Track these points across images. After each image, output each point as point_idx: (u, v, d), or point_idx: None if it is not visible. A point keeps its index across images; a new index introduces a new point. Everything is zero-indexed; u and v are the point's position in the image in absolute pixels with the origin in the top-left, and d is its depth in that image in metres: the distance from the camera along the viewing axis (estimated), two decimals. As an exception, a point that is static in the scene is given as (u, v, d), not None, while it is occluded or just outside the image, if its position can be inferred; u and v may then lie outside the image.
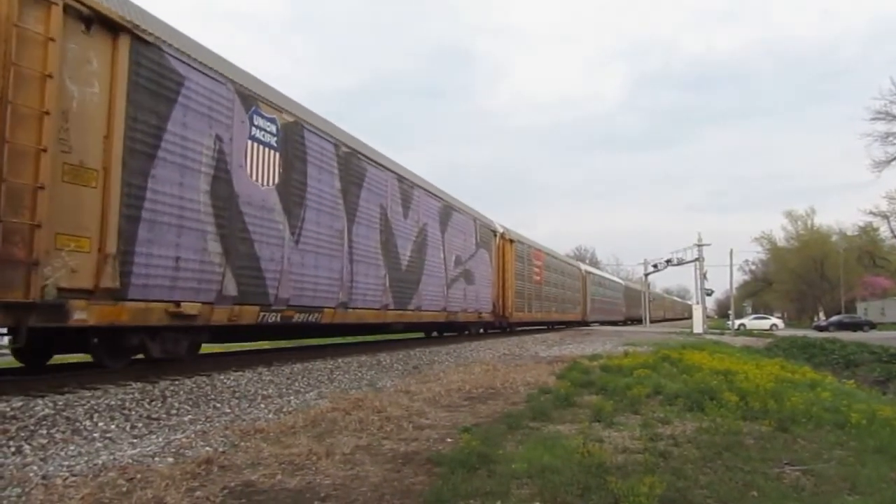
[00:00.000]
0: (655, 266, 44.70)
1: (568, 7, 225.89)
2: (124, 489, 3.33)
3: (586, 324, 37.33)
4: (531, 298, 25.00)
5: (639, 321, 53.44)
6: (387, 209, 12.38)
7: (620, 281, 56.25)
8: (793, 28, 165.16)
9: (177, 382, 6.85)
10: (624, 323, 49.74)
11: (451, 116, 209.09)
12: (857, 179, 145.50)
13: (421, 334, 18.95)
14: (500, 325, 22.38)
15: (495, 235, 21.15)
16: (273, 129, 8.68)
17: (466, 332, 19.92)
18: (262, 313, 8.40)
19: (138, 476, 3.54)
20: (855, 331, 41.95)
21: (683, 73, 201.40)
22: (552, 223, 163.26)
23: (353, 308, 10.89)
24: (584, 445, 4.20)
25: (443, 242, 15.77)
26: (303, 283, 9.31)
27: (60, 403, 5.26)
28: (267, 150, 8.56)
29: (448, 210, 16.38)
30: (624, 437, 4.92)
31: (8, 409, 4.91)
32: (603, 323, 42.21)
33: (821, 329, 44.46)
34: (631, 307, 54.12)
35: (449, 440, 4.79)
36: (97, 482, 3.43)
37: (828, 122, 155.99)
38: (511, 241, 22.44)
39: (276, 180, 8.74)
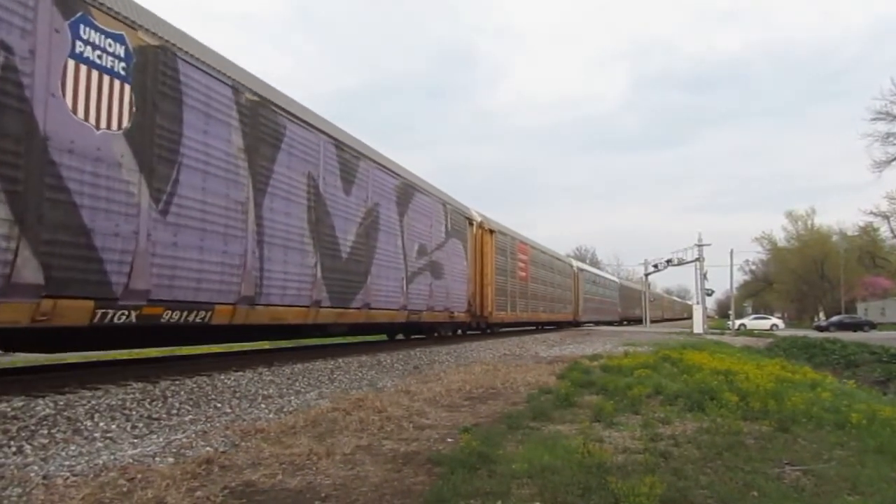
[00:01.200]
0: (656, 266, 44.70)
1: (568, 8, 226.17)
2: (125, 489, 3.33)
3: (578, 324, 35.78)
4: (515, 297, 22.67)
5: (636, 321, 53.19)
6: (318, 181, 9.92)
7: (615, 279, 54.33)
8: (793, 29, 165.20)
9: (177, 382, 6.86)
10: (620, 323, 48.35)
11: (451, 117, 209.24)
12: (857, 180, 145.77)
13: (384, 336, 17.29)
14: (478, 327, 19.81)
15: (471, 224, 18.59)
16: (119, 51, 6.27)
17: (436, 335, 17.32)
18: (100, 310, 6.02)
19: (139, 476, 3.55)
20: (855, 331, 42.00)
21: (684, 73, 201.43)
22: (553, 223, 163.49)
23: (266, 305, 8.48)
24: (584, 445, 4.20)
25: (401, 228, 13.29)
26: (176, 269, 6.89)
27: (61, 403, 5.27)
28: (107, 78, 6.14)
29: (408, 189, 13.86)
30: (624, 437, 4.93)
31: (9, 409, 4.92)
32: (597, 323, 40.71)
33: (821, 329, 44.50)
34: (627, 307, 52.50)
35: (449, 440, 4.79)
36: (98, 482, 3.43)
37: (828, 122, 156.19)
38: (491, 231, 20.06)
39: (126, 123, 6.28)
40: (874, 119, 39.87)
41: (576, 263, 37.13)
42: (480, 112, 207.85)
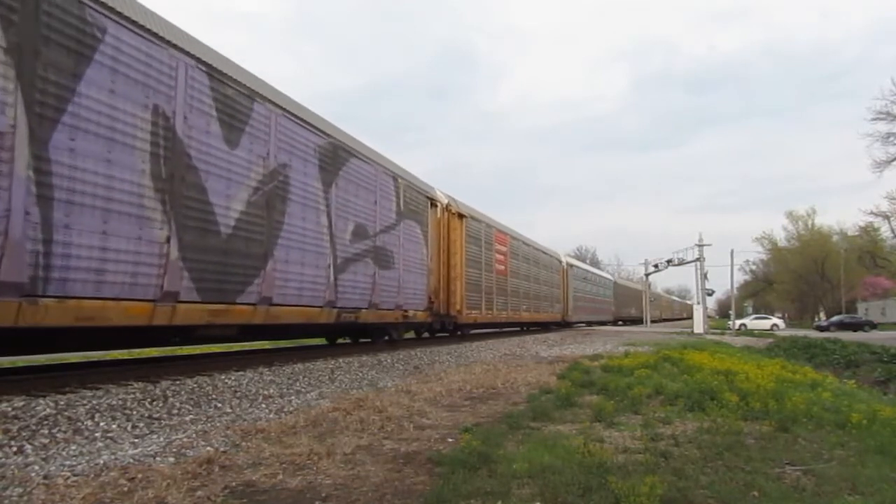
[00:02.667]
0: (656, 266, 44.69)
1: (569, 9, 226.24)
2: (125, 489, 3.34)
3: (568, 324, 33.10)
4: (492, 293, 19.76)
5: (632, 322, 52.09)
6: (174, 120, 7.02)
7: (609, 276, 51.37)
8: (793, 29, 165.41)
9: (178, 382, 6.86)
10: (614, 323, 46.12)
11: (452, 118, 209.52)
12: (858, 180, 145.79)
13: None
14: (442, 328, 16.54)
15: (434, 205, 15.44)
16: None
17: (386, 339, 14.18)
18: None
19: (139, 476, 3.55)
20: (856, 331, 41.96)
21: (685, 74, 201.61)
22: (553, 223, 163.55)
23: (62, 297, 5.65)
24: (584, 445, 4.20)
25: (327, 200, 10.21)
26: None
27: (62, 403, 5.28)
28: None
29: (339, 153, 10.68)
30: (625, 437, 4.93)
31: (10, 409, 4.93)
32: (590, 324, 38.66)
33: (822, 329, 44.46)
34: (621, 306, 50.18)
35: (450, 440, 4.79)
36: (98, 482, 3.44)
37: (829, 122, 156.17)
38: (460, 215, 17.02)
39: None
40: (875, 119, 39.75)
41: (565, 258, 33.96)
42: (481, 112, 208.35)
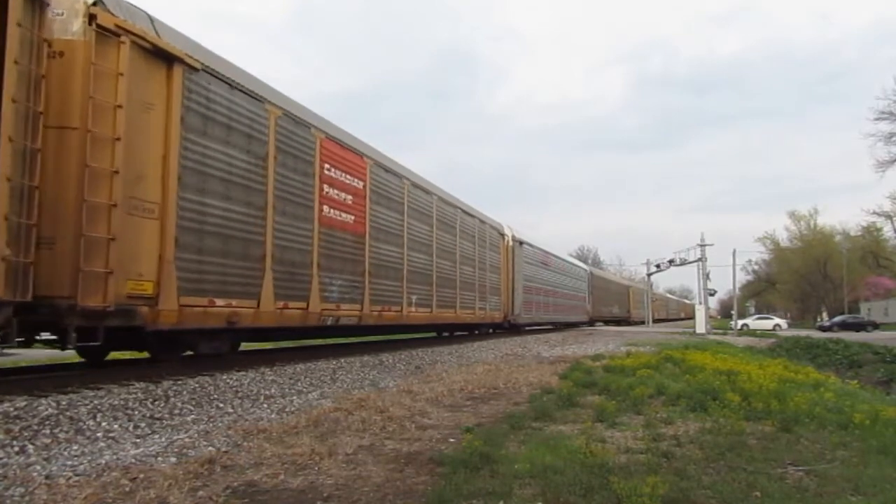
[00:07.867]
0: (658, 266, 44.63)
1: (568, 10, 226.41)
2: (127, 489, 3.34)
3: (515, 327, 23.62)
4: (309, 266, 9.68)
5: (615, 322, 48.53)
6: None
7: (583, 266, 40.91)
8: (793, 30, 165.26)
9: (180, 382, 6.86)
10: (590, 324, 37.85)
11: (453, 118, 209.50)
12: (860, 180, 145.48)
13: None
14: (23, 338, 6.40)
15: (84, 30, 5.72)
16: None
17: None
18: None
19: (141, 476, 3.55)
20: (858, 331, 41.86)
21: (685, 75, 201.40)
22: (555, 224, 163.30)
23: None
24: (586, 446, 4.20)
25: None
26: None
27: (64, 403, 5.28)
28: None
29: None
30: (627, 437, 4.92)
31: (12, 409, 4.93)
32: (556, 325, 30.90)
33: (824, 329, 44.38)
34: (600, 303, 41.70)
35: (451, 440, 4.79)
36: (100, 482, 3.44)
37: (831, 122, 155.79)
38: (165, 55, 6.80)
39: None
40: (877, 119, 39.76)
41: (511, 232, 23.09)
42: (482, 114, 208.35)
